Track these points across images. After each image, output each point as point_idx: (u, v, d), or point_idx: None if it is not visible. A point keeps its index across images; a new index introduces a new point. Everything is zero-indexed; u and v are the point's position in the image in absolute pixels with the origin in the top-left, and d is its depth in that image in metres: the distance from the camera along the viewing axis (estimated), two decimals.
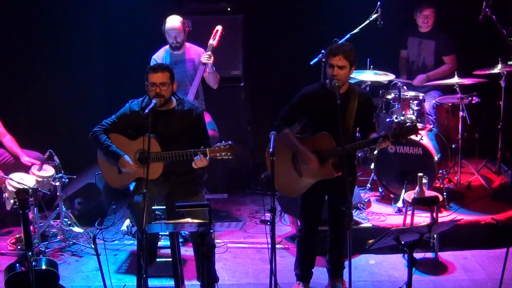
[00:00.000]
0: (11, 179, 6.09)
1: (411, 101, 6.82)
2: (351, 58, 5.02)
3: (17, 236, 6.38)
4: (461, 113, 6.77)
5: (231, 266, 6.06)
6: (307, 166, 5.17)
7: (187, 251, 6.04)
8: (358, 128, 5.36)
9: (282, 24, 8.07)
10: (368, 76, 7.04)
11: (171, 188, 5.34)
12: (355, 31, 6.81)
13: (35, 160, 6.47)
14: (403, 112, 6.77)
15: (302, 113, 5.31)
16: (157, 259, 5.62)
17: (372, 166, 6.87)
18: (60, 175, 6.33)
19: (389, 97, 6.97)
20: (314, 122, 5.28)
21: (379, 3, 6.83)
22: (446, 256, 6.09)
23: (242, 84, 7.65)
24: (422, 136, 6.52)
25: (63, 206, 6.40)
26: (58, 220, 6.45)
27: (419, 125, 6.65)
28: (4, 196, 6.17)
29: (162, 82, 5.12)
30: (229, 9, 7.58)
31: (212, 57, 6.46)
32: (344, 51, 5.01)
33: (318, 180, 5.21)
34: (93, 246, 4.84)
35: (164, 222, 4.77)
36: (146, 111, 4.94)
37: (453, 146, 6.95)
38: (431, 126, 7.03)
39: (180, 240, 6.01)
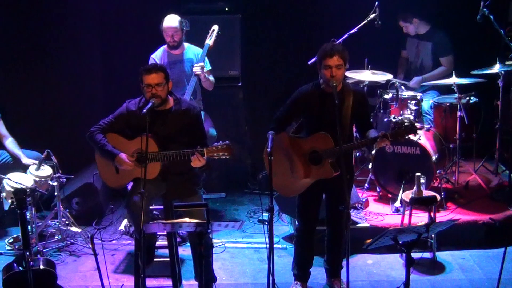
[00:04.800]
0: (9, 179, 6.08)
1: (408, 101, 6.82)
2: (346, 56, 5.07)
3: (15, 236, 6.38)
4: (459, 113, 6.77)
5: (229, 266, 6.06)
6: (308, 158, 5.17)
7: (184, 251, 6.05)
8: (355, 126, 5.35)
9: (279, 23, 8.07)
10: (366, 76, 7.05)
11: (169, 188, 5.34)
12: (353, 31, 6.81)
13: (36, 161, 6.46)
14: (401, 112, 6.78)
15: (297, 114, 5.32)
16: (155, 259, 5.62)
17: (370, 166, 6.87)
18: (58, 175, 6.33)
19: (387, 97, 6.98)
20: (310, 122, 5.27)
21: (377, 3, 6.84)
22: (443, 256, 6.09)
23: (239, 84, 7.65)
24: (420, 136, 6.52)
25: (61, 206, 6.40)
26: (56, 220, 6.45)
27: (417, 125, 6.66)
28: (2, 196, 6.17)
29: (157, 83, 5.11)
30: (226, 9, 7.59)
31: (204, 68, 6.46)
32: (339, 51, 5.03)
33: (316, 180, 5.21)
34: (90, 246, 4.83)
35: (161, 222, 4.76)
36: (144, 111, 4.95)
37: (451, 146, 6.96)
38: (429, 126, 7.03)
39: (178, 240, 6.02)
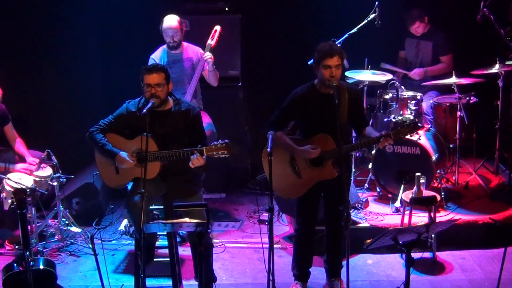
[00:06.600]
0: (9, 178, 6.09)
1: (409, 101, 6.82)
2: (344, 56, 5.09)
3: (15, 235, 6.38)
4: (459, 113, 6.78)
5: (229, 266, 6.06)
6: (309, 160, 5.16)
7: (184, 251, 6.05)
8: (352, 124, 5.35)
9: (280, 23, 8.07)
10: (366, 76, 7.04)
11: (169, 188, 5.34)
12: (353, 30, 6.82)
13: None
14: (401, 112, 6.78)
15: (293, 116, 5.32)
16: (155, 259, 5.62)
17: (370, 166, 6.87)
18: (58, 175, 6.34)
19: (387, 97, 6.98)
20: (307, 124, 5.27)
21: (377, 3, 6.84)
22: (444, 256, 6.09)
23: (240, 84, 7.65)
24: (420, 136, 6.52)
25: (61, 206, 6.41)
26: (56, 220, 6.45)
27: (418, 124, 6.66)
28: (2, 196, 6.17)
29: (157, 83, 5.11)
30: (226, 9, 7.59)
31: (212, 56, 6.48)
32: (338, 51, 5.05)
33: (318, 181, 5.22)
34: (91, 246, 4.83)
35: (161, 222, 4.76)
36: (144, 111, 4.94)
37: (451, 146, 6.96)
38: (429, 126, 7.04)
39: (178, 240, 6.02)
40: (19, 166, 6.37)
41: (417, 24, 7.36)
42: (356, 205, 6.56)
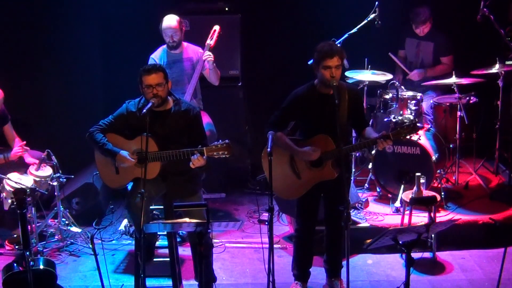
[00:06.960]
0: (9, 178, 6.09)
1: (409, 101, 6.82)
2: (344, 56, 5.09)
3: (15, 235, 6.38)
4: (459, 113, 6.78)
5: (229, 266, 6.07)
6: (309, 161, 5.15)
7: (184, 250, 6.05)
8: (352, 124, 5.35)
9: (279, 23, 8.07)
10: (366, 76, 7.04)
11: (169, 188, 5.34)
12: (353, 30, 6.81)
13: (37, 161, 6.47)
14: (401, 112, 6.78)
15: (293, 116, 5.31)
16: (155, 259, 5.62)
17: (370, 165, 6.87)
18: (58, 175, 6.34)
19: (387, 96, 6.98)
20: (307, 124, 5.26)
21: (376, 3, 6.84)
22: (444, 256, 6.09)
23: (240, 84, 7.65)
24: (420, 136, 6.52)
25: (61, 206, 6.41)
26: (56, 220, 6.45)
27: (417, 125, 6.66)
28: (1, 196, 6.17)
29: (157, 82, 5.11)
30: (226, 9, 7.59)
31: (212, 55, 6.48)
32: (338, 51, 5.04)
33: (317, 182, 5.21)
34: (91, 246, 4.83)
35: (162, 222, 4.76)
36: (144, 111, 4.94)
37: (451, 146, 6.96)
38: (429, 126, 7.04)
39: (178, 240, 6.02)
40: (14, 150, 6.38)
41: (427, 24, 7.34)
42: (356, 205, 6.56)
